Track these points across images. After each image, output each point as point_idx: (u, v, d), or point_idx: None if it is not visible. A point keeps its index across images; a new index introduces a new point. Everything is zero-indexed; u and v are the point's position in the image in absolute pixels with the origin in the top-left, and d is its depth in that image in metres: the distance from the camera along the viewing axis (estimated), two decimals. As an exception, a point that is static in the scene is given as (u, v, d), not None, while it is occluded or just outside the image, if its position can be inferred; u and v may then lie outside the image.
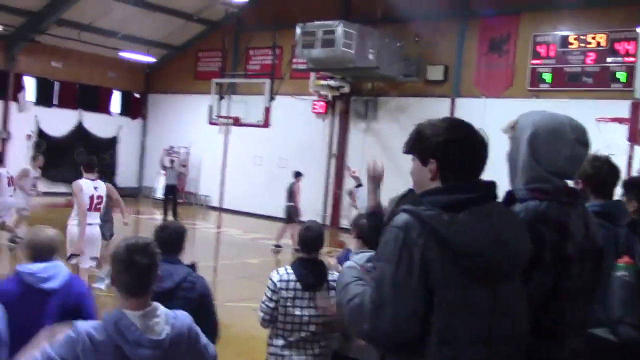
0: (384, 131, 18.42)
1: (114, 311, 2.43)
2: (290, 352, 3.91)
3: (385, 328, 1.90)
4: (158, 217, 18.29)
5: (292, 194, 14.41)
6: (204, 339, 2.66)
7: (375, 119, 18.83)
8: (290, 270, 4.01)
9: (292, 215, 14.17)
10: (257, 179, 20.91)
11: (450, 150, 2.01)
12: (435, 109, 17.26)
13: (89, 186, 7.83)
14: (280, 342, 3.93)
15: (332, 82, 18.40)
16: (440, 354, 1.88)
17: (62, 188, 22.37)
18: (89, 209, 7.67)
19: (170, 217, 17.73)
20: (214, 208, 22.40)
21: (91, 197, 7.78)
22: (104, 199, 8.00)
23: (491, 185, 2.05)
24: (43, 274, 3.49)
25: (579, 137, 2.21)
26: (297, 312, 3.90)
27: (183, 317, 2.60)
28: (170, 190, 18.03)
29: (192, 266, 3.81)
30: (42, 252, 3.55)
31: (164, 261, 3.58)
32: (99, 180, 8.06)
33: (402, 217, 1.93)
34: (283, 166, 20.45)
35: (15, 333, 3.35)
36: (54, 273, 3.49)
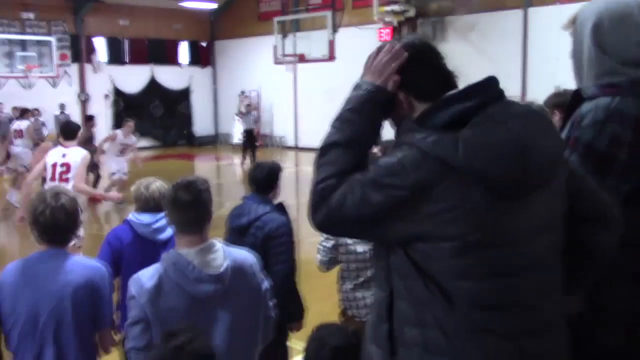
0: (455, 52, 17.55)
1: (170, 252, 2.47)
2: (362, 294, 3.67)
3: (333, 207, 1.65)
4: (236, 162, 18.68)
5: None
6: (265, 284, 2.66)
7: (444, 40, 18.20)
8: None
9: None
10: (330, 114, 20.76)
11: (405, 67, 1.73)
12: (507, 22, 16.53)
13: (57, 153, 6.48)
14: (349, 285, 3.72)
15: (396, 7, 17.85)
16: (472, 296, 1.60)
17: (142, 142, 23.19)
18: (52, 179, 6.34)
19: (248, 161, 18.08)
20: (289, 148, 22.64)
21: (54, 166, 6.38)
22: (74, 168, 6.36)
23: (490, 84, 1.69)
24: (155, 225, 3.54)
25: None
26: (359, 248, 3.63)
27: (246, 254, 2.64)
28: (249, 134, 18.31)
29: (280, 206, 3.76)
30: (152, 204, 3.57)
31: (249, 198, 3.73)
32: (75, 147, 6.58)
33: (400, 151, 1.64)
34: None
35: (127, 283, 3.50)
36: (165, 224, 3.51)
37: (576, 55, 2.04)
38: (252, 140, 18.37)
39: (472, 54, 17.46)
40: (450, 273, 1.61)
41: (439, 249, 1.60)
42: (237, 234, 3.70)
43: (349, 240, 3.65)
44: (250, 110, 19.29)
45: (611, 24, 1.92)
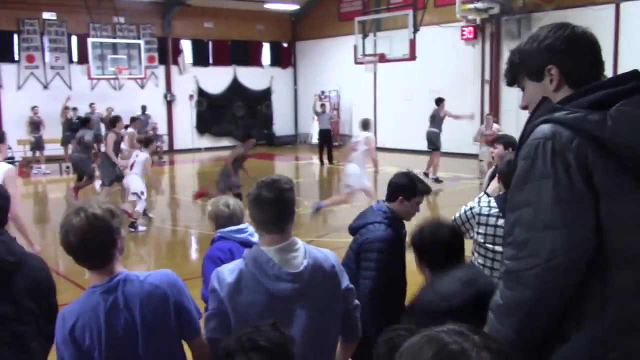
0: (541, 50, 17.23)
1: (252, 248, 2.48)
2: None
3: (561, 257, 1.58)
4: (315, 162, 18.79)
5: (434, 120, 14.88)
6: (345, 283, 2.62)
7: (529, 38, 17.65)
8: (493, 203, 3.69)
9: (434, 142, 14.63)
10: (409, 114, 20.65)
11: (570, 45, 1.73)
12: (597, 18, 15.79)
13: None
14: None
15: (479, 5, 17.44)
16: (619, 281, 1.61)
17: (224, 142, 23.75)
18: None
19: (325, 162, 18.13)
20: (369, 148, 22.53)
21: None
22: None
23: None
24: (247, 230, 3.63)
25: None
26: (498, 248, 3.54)
27: (327, 254, 2.61)
28: (325, 134, 18.37)
29: (394, 219, 3.58)
30: (236, 219, 3.68)
31: (377, 202, 3.70)
32: None
33: (543, 128, 1.66)
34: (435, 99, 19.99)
35: None
36: (253, 230, 3.57)
37: None
38: (327, 141, 18.41)
39: (560, 51, 16.78)
40: (609, 259, 1.62)
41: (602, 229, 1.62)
42: (351, 234, 3.70)
43: (489, 240, 3.67)
44: (325, 110, 19.33)
45: None
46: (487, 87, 18.91)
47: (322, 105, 19.77)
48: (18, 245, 2.93)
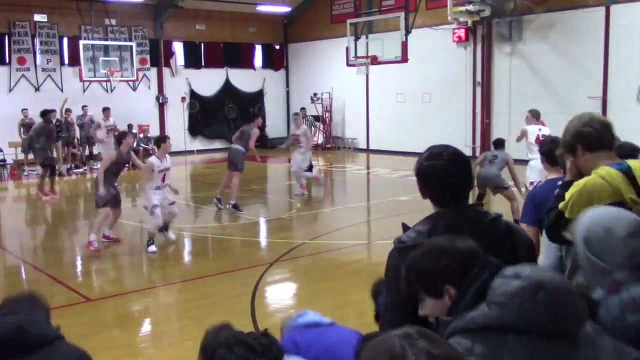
0: (532, 52, 17.32)
1: None
2: None
3: None
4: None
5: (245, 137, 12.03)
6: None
7: (520, 40, 17.73)
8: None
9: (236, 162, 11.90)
10: (402, 116, 20.72)
11: (457, 271, 1.91)
12: (588, 21, 15.91)
13: None
14: None
15: (470, 7, 17.52)
16: None
17: (216, 144, 23.72)
18: None
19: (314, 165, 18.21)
20: (361, 150, 22.59)
21: None
22: None
23: (479, 258, 1.93)
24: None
25: (632, 231, 2.09)
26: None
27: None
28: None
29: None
30: None
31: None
32: None
33: (456, 344, 1.74)
34: (427, 101, 20.06)
35: None
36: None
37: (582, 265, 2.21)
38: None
39: (551, 54, 16.89)
40: None
41: None
42: None
43: None
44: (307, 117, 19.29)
45: (598, 237, 2.10)
46: (478, 89, 18.98)
47: (302, 109, 19.66)
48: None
